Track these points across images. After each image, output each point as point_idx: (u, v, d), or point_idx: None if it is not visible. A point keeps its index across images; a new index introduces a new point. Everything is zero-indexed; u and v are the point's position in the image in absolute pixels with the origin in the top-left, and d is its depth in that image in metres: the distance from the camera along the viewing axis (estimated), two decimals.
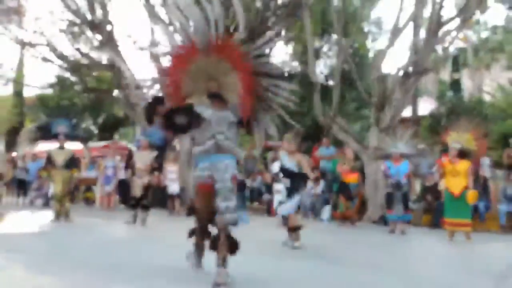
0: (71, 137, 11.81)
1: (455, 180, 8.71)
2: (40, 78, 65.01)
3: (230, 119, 4.76)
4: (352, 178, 11.37)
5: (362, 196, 11.83)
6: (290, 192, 7.45)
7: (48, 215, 11.39)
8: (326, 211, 12.32)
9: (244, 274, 5.08)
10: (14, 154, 19.04)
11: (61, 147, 10.95)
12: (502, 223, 10.91)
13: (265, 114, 5.06)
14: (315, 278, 5.37)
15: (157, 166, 10.73)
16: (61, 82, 22.57)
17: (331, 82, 20.22)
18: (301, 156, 7.64)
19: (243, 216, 4.93)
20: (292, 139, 7.55)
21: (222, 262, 4.53)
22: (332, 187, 12.55)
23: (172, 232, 9.02)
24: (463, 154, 8.82)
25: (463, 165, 8.75)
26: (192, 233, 5.21)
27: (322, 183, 13.07)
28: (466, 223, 8.72)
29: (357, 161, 12.81)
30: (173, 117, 4.70)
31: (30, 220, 11.31)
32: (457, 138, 9.18)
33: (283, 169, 7.59)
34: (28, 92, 29.07)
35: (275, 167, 11.27)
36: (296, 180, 7.53)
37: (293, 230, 7.31)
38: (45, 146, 14.29)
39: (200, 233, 5.07)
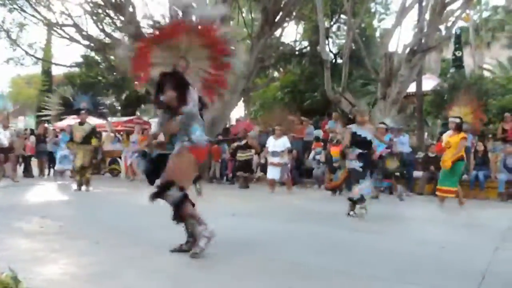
0: (93, 112, 11.77)
1: (448, 151, 8.59)
2: (67, 57, 65.04)
3: None
4: (335, 152, 11.07)
5: None
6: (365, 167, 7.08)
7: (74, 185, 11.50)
8: None
9: (252, 234, 5.10)
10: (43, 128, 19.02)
11: (81, 123, 10.84)
12: (500, 191, 10.83)
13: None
14: (322, 240, 5.38)
15: None
16: (86, 61, 22.51)
17: (339, 60, 20.02)
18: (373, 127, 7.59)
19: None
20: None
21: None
22: None
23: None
24: (460, 127, 8.68)
25: (456, 137, 8.60)
26: None
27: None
28: (451, 191, 8.63)
29: None
30: None
31: (60, 189, 11.41)
32: (457, 113, 9.15)
33: (357, 139, 7.15)
34: (56, 71, 29.17)
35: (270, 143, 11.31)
36: (369, 157, 7.24)
37: (353, 202, 7.19)
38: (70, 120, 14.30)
39: None
